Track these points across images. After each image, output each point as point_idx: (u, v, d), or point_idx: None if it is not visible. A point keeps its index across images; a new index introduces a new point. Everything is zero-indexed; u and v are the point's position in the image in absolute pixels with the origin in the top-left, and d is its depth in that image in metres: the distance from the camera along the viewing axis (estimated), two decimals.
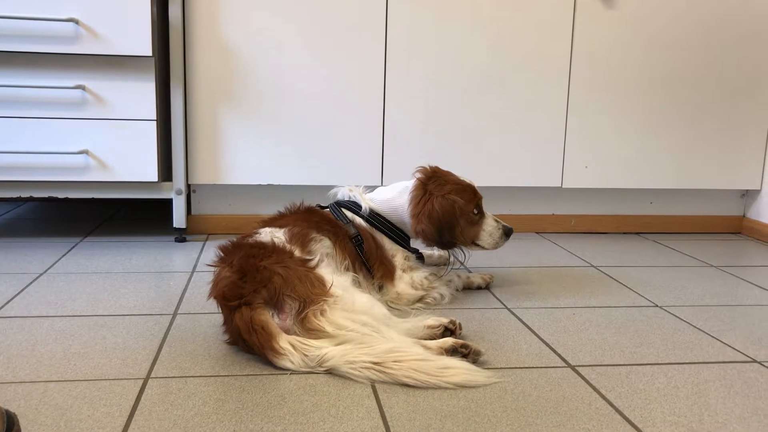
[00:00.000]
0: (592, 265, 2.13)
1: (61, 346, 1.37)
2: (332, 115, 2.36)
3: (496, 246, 1.75)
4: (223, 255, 1.45)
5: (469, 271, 1.91)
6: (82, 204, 2.96)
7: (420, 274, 1.70)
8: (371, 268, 1.65)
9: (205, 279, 1.76)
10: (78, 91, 2.13)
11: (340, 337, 1.27)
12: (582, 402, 1.17)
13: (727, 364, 1.36)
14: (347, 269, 1.55)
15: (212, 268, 1.45)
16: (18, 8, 2.03)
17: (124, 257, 2.09)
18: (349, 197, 1.77)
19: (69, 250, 2.15)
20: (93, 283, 1.81)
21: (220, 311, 1.38)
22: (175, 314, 1.58)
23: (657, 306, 1.73)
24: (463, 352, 1.28)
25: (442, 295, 1.69)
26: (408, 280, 1.68)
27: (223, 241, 1.50)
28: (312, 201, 1.77)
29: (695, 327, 1.57)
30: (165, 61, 2.26)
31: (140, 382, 1.21)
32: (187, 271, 1.95)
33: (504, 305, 1.70)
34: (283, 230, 1.53)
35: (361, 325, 1.29)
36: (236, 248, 1.44)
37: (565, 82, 2.46)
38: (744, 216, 2.74)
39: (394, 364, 1.21)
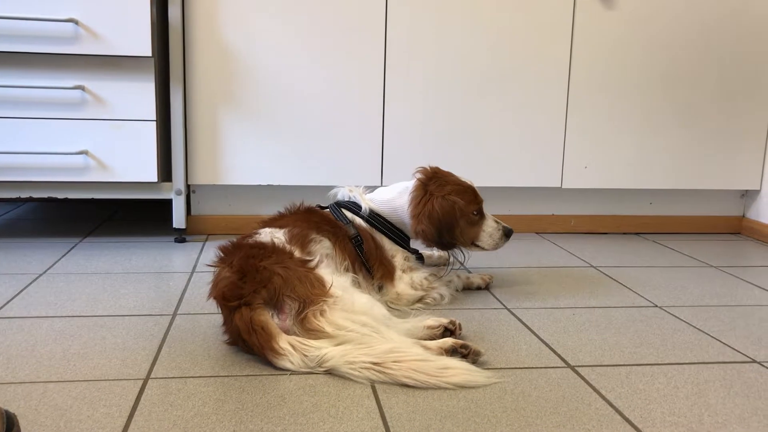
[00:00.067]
0: (592, 266, 2.13)
1: (61, 347, 1.36)
2: (332, 116, 2.36)
3: (496, 247, 1.75)
4: (222, 255, 1.45)
5: (469, 272, 1.91)
6: (81, 204, 2.96)
7: (420, 275, 1.70)
8: (371, 268, 1.65)
9: (204, 279, 1.76)
10: (77, 92, 2.13)
11: (340, 338, 1.27)
12: (582, 402, 1.17)
13: (727, 365, 1.36)
14: (347, 270, 1.55)
15: (212, 269, 1.45)
16: (18, 8, 2.03)
17: (123, 258, 2.09)
18: (349, 197, 1.77)
19: (68, 251, 2.15)
20: (92, 284, 1.81)
21: (220, 312, 1.38)
22: (174, 315, 1.58)
23: (657, 306, 1.73)
24: (463, 352, 1.28)
25: (441, 296, 1.69)
26: (408, 280, 1.68)
27: (223, 242, 1.50)
28: (312, 201, 1.77)
29: (695, 327, 1.57)
30: (165, 61, 2.26)
31: (140, 383, 1.21)
32: (186, 272, 1.95)
33: (504, 305, 1.70)
34: (282, 231, 1.53)
35: (360, 325, 1.29)
36: (236, 248, 1.44)
37: (564, 83, 2.46)
38: (744, 216, 2.74)
39: (394, 365, 1.21)
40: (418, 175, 1.72)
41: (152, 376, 1.24)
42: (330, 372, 1.24)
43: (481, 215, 1.73)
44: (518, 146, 2.47)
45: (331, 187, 1.83)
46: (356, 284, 1.49)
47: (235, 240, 1.51)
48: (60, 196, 2.21)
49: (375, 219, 1.72)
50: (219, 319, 1.42)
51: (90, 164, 2.16)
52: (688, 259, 2.25)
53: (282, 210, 1.69)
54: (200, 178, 2.33)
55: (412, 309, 1.63)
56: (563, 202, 2.62)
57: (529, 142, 2.47)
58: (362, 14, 2.31)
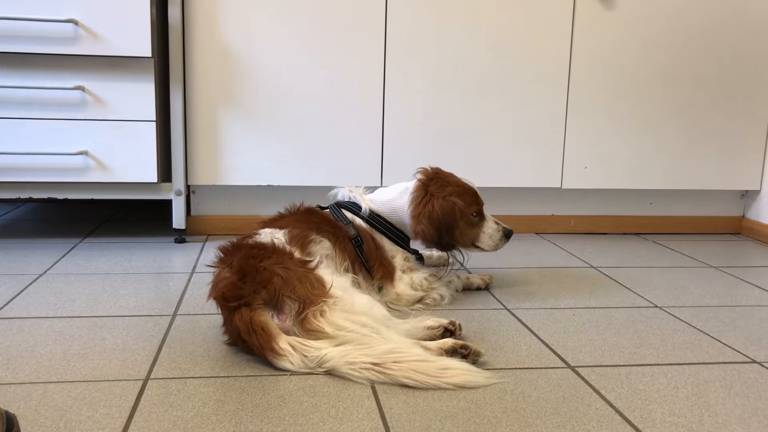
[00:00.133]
0: (592, 266, 2.13)
1: (61, 347, 1.36)
2: (332, 116, 2.36)
3: (495, 248, 1.75)
4: (222, 256, 1.45)
5: (469, 272, 1.91)
6: (81, 205, 2.96)
7: (420, 275, 1.70)
8: (371, 269, 1.65)
9: (204, 280, 1.76)
10: (77, 92, 2.13)
11: (340, 338, 1.27)
12: (582, 403, 1.17)
13: (727, 365, 1.36)
14: (347, 270, 1.55)
15: (212, 269, 1.44)
16: (17, 9, 2.03)
17: (123, 258, 2.09)
18: (349, 198, 1.77)
19: (68, 251, 2.15)
20: (92, 284, 1.81)
21: (220, 312, 1.38)
22: (174, 315, 1.58)
23: (657, 307, 1.73)
24: (463, 352, 1.28)
25: (441, 296, 1.69)
26: (408, 281, 1.68)
27: (223, 242, 1.50)
28: (312, 202, 1.77)
29: (695, 328, 1.57)
30: (164, 62, 2.26)
31: (140, 383, 1.21)
32: (186, 272, 1.95)
33: (504, 306, 1.70)
34: (282, 231, 1.53)
35: (360, 325, 1.29)
36: (236, 249, 1.44)
37: (564, 83, 2.46)
38: (743, 216, 2.74)
39: (394, 365, 1.21)
40: (419, 176, 1.72)
41: (152, 376, 1.24)
42: (330, 372, 1.24)
43: (481, 216, 1.73)
44: (518, 146, 2.47)
45: (331, 188, 1.83)
46: (356, 285, 1.49)
47: (235, 240, 1.51)
48: (60, 196, 2.21)
49: (375, 219, 1.72)
50: (219, 319, 1.42)
51: (90, 165, 2.16)
52: (688, 260, 2.25)
53: (282, 210, 1.69)
54: (200, 178, 2.33)
55: (412, 309, 1.63)
56: (563, 202, 2.62)
57: (529, 142, 2.47)
58: (362, 14, 2.31)
